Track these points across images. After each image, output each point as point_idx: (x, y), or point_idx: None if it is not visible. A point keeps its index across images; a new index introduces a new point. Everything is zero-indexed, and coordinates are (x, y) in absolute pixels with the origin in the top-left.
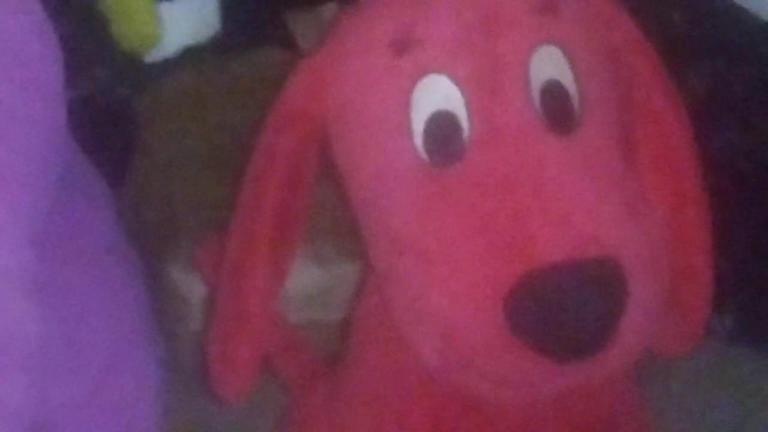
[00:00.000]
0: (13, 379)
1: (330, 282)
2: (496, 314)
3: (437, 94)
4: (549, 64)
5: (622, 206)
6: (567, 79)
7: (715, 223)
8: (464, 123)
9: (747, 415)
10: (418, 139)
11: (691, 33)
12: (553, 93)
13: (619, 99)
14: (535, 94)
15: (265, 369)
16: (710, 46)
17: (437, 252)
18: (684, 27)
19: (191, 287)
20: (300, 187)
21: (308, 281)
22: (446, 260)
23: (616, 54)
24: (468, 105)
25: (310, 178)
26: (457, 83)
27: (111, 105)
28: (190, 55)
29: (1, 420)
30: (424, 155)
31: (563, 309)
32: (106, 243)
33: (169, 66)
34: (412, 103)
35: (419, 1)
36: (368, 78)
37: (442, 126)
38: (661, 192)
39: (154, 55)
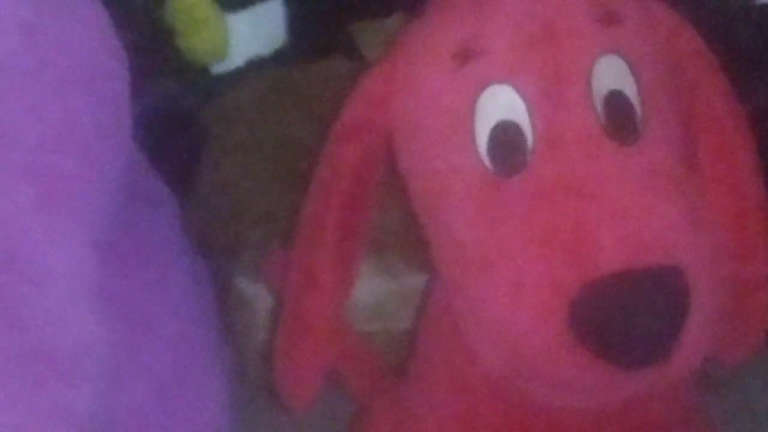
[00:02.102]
0: (78, 386)
1: (398, 292)
2: (560, 322)
3: (501, 103)
4: (612, 74)
5: (684, 215)
6: (630, 89)
7: None
8: (528, 132)
9: None
10: (482, 149)
11: (756, 42)
12: (616, 103)
13: (681, 109)
14: (598, 103)
15: (332, 380)
16: None
17: (500, 260)
18: (748, 37)
19: (258, 298)
20: (365, 198)
21: (376, 292)
22: (509, 269)
23: (678, 64)
24: (531, 114)
25: (375, 188)
26: (521, 93)
27: (178, 116)
28: (256, 66)
29: (66, 428)
30: (488, 164)
31: (627, 317)
32: (171, 252)
33: (235, 77)
34: (476, 113)
35: (482, 12)
36: (433, 88)
37: (505, 135)
38: (723, 202)
39: (220, 67)
